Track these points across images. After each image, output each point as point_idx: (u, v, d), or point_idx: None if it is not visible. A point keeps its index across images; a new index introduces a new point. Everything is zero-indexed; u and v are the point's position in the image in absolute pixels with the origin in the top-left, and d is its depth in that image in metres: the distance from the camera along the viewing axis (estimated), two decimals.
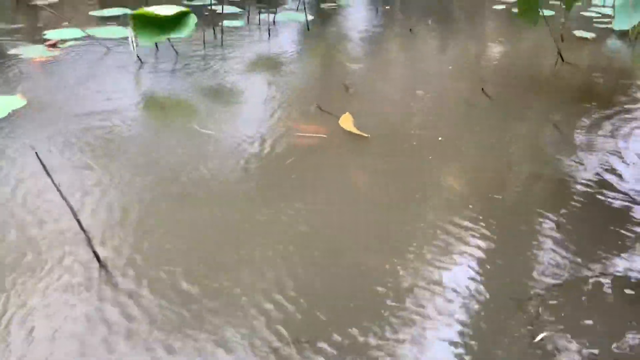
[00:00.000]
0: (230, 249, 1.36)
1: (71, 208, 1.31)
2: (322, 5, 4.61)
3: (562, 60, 3.11)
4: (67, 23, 3.61)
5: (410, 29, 3.79)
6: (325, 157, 1.89)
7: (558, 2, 4.90)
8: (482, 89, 2.59)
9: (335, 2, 4.68)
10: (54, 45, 3.07)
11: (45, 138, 1.95)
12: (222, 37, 3.36)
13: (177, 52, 3.06)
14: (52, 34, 3.32)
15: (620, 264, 1.35)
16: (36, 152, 1.31)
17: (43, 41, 3.18)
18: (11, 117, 2.11)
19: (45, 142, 1.92)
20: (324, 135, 2.04)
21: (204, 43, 3.27)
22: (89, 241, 1.35)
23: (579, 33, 3.83)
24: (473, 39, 3.78)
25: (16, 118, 2.11)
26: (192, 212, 1.52)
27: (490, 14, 4.64)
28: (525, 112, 2.38)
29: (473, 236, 1.45)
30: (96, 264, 1.29)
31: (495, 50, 3.55)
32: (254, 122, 2.15)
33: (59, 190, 1.29)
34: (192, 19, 2.88)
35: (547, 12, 4.41)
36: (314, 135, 2.04)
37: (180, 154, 1.86)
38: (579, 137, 2.11)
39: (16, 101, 2.26)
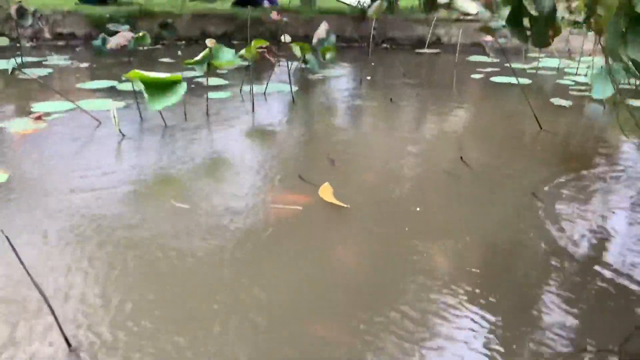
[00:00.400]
0: (199, 333, 1.32)
1: (42, 294, 1.28)
2: (308, 76, 4.76)
3: (540, 127, 3.19)
4: (57, 95, 3.68)
5: (391, 99, 3.89)
6: (303, 229, 1.88)
7: (534, 71, 5.10)
8: (461, 158, 2.63)
9: (320, 74, 4.84)
10: (39, 118, 3.12)
11: (23, 216, 1.94)
12: (207, 108, 3.43)
13: (165, 124, 3.11)
14: (39, 107, 3.38)
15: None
16: (7, 237, 1.29)
17: (29, 114, 3.23)
18: None
19: (22, 220, 1.90)
20: (303, 207, 2.04)
21: (185, 114, 3.33)
22: (59, 325, 1.30)
23: (556, 101, 3.96)
24: (452, 107, 3.89)
25: None
26: (163, 292, 1.49)
27: (469, 82, 4.80)
28: (504, 181, 2.41)
29: (452, 314, 1.42)
30: (66, 348, 1.24)
31: (474, 118, 3.64)
32: (234, 195, 2.15)
33: (29, 275, 1.27)
34: (182, 87, 2.89)
35: (522, 81, 4.57)
36: (293, 207, 2.04)
37: (154, 230, 1.85)
38: (559, 207, 2.12)
39: None
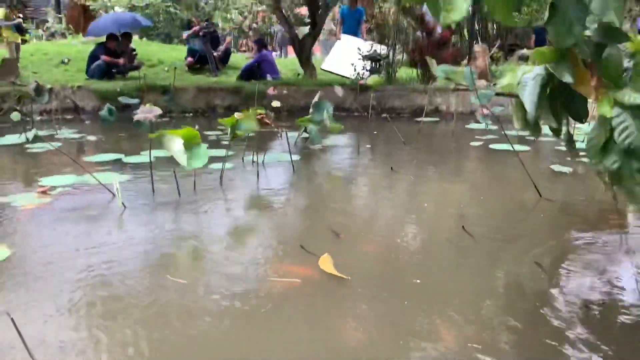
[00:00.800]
0: None
1: None
2: (309, 146, 4.86)
3: (540, 195, 3.21)
4: (64, 169, 3.76)
5: (392, 167, 3.95)
6: (302, 304, 1.85)
7: (533, 138, 5.19)
8: (463, 227, 2.63)
9: (320, 144, 4.93)
10: (44, 192, 3.17)
11: (23, 295, 1.93)
12: (221, 179, 3.48)
13: (179, 193, 3.15)
14: (47, 180, 3.44)
15: None
16: (12, 319, 1.28)
17: (37, 187, 3.29)
18: None
19: (22, 299, 1.90)
20: (303, 279, 2.02)
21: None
22: None
23: (556, 168, 3.99)
24: (452, 175, 3.94)
25: None
26: None
27: (468, 149, 4.89)
28: (506, 250, 2.40)
29: None
30: None
31: (474, 186, 3.67)
32: (233, 268, 2.15)
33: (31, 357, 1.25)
34: (204, 151, 2.92)
35: (521, 148, 4.64)
36: (293, 279, 2.03)
37: (150, 307, 1.83)
38: (562, 276, 2.10)
39: (0, 252, 2.27)
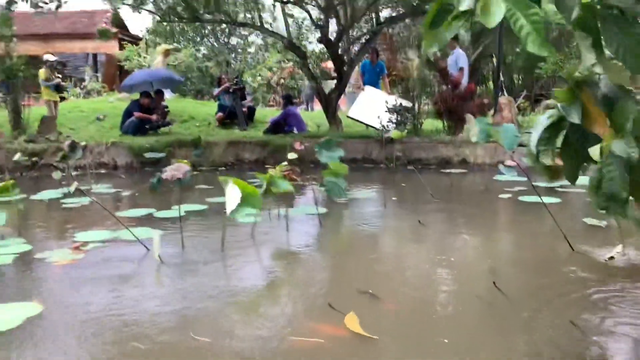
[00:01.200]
0: None
1: None
2: (335, 199, 4.88)
3: (572, 249, 3.13)
4: (98, 224, 3.87)
5: (419, 221, 3.92)
6: None
7: (565, 190, 5.11)
8: (494, 283, 2.58)
9: (344, 197, 4.96)
10: (77, 248, 3.26)
11: (54, 352, 1.96)
12: (252, 234, 3.52)
13: (209, 248, 3.20)
14: (80, 235, 3.54)
15: None
16: None
17: (71, 242, 3.38)
18: (25, 326, 2.15)
19: (54, 356, 1.93)
20: (328, 338, 2.00)
21: (222, 242, 3.42)
22: None
23: (589, 221, 3.87)
24: (481, 229, 3.88)
25: (30, 327, 2.15)
26: None
27: (497, 202, 4.83)
28: (539, 308, 2.33)
29: None
30: None
31: (504, 240, 3.62)
32: (260, 325, 2.14)
33: None
34: (252, 211, 3.08)
35: (552, 200, 4.56)
36: (318, 338, 2.01)
37: None
38: (599, 337, 2.03)
39: (32, 308, 2.33)
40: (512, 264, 3.01)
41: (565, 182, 1.87)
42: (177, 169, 3.22)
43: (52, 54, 10.29)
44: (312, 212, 4.15)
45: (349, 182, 4.70)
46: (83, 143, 5.71)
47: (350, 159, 7.39)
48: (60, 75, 9.68)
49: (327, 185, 4.40)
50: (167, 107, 8.80)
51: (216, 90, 9.84)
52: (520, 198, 4.82)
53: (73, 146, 5.22)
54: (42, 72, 9.18)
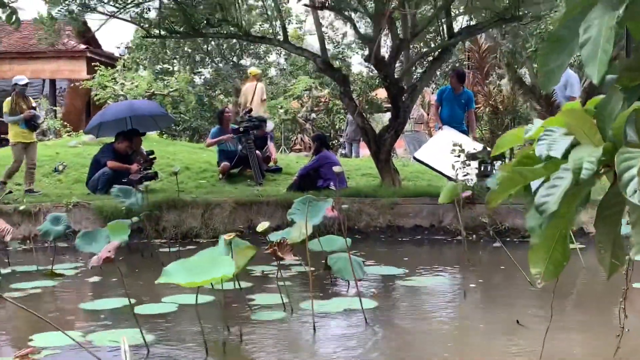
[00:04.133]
0: None
1: None
2: (395, 282, 4.87)
3: None
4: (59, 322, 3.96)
5: (517, 320, 3.86)
6: None
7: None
8: None
9: (405, 281, 4.94)
10: (24, 357, 3.32)
11: None
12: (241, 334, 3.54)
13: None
14: (40, 338, 3.61)
15: None
16: None
17: (25, 347, 3.45)
18: None
19: None
20: None
21: (223, 346, 3.44)
22: None
23: None
24: (608, 334, 3.78)
25: None
26: None
27: (632, 293, 4.71)
28: None
29: None
30: None
31: (636, 347, 3.52)
32: None
33: None
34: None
35: None
36: None
37: None
38: None
39: None
40: None
41: None
42: (105, 250, 3.38)
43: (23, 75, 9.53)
44: (354, 307, 4.10)
45: (409, 260, 4.70)
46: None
47: (412, 227, 7.40)
48: (35, 105, 9.04)
49: (335, 263, 4.31)
50: (152, 153, 9.05)
51: (211, 137, 10.11)
52: None
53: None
54: (6, 103, 8.67)
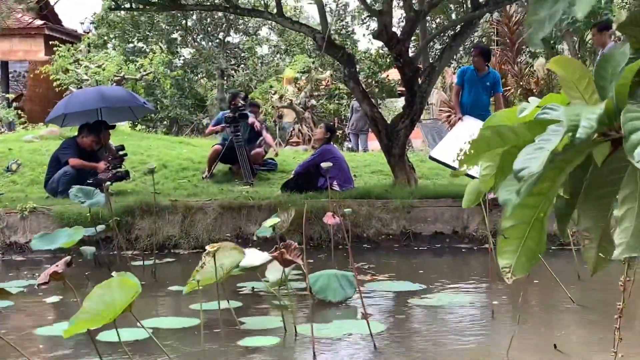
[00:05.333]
0: None
1: None
2: (409, 300, 4.85)
3: None
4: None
5: (555, 345, 3.85)
6: None
7: None
8: None
9: (426, 297, 4.92)
10: None
11: None
12: None
13: None
14: None
15: None
16: None
17: None
18: None
19: None
20: None
21: None
22: None
23: None
24: None
25: None
26: None
27: None
28: None
29: None
30: None
31: None
32: None
33: None
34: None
35: None
36: None
37: None
38: None
39: None
40: None
41: None
42: (53, 267, 3.44)
43: None
44: (360, 331, 4.10)
45: (427, 273, 4.66)
46: None
47: (431, 234, 7.37)
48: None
49: (315, 282, 4.39)
50: (122, 148, 9.02)
51: (214, 122, 10.13)
52: None
53: None
54: None
